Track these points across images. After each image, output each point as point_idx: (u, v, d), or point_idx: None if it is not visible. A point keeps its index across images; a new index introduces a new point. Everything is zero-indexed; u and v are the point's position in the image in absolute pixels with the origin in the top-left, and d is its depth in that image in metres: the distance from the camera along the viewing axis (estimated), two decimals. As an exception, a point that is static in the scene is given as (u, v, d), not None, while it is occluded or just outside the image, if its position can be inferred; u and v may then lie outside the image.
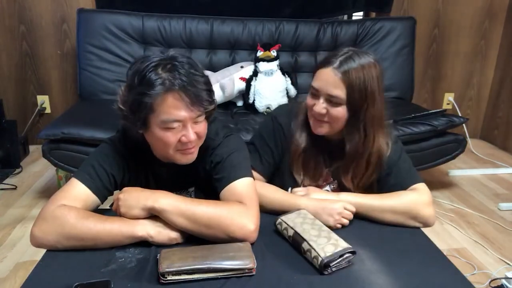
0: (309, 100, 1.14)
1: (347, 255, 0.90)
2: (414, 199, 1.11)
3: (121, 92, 1.00)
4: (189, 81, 0.93)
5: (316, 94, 1.11)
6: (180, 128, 0.97)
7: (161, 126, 0.96)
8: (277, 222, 1.03)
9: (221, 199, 1.05)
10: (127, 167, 1.10)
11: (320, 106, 1.10)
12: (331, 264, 0.88)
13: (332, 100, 1.09)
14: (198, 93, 0.94)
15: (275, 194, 1.15)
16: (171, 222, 0.94)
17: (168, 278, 0.83)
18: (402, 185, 1.15)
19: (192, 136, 0.97)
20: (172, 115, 0.94)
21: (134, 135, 1.04)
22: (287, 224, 1.00)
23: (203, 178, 1.14)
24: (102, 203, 1.07)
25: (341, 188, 1.22)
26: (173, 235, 0.95)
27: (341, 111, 1.09)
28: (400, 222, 1.09)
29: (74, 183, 1.02)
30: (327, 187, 1.24)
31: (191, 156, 1.03)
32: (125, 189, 0.99)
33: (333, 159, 1.21)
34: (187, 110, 0.94)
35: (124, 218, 0.96)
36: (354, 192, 1.17)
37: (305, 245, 0.93)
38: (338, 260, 0.89)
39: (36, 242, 0.94)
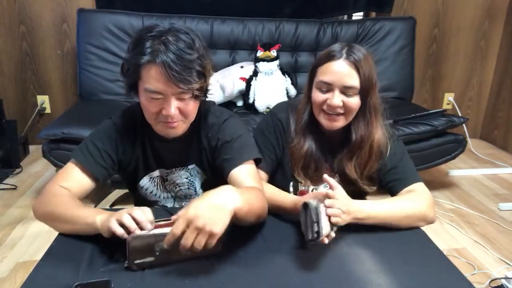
0: (319, 97, 1.12)
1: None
2: (424, 202, 1.10)
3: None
4: (176, 57, 0.94)
5: (328, 89, 1.11)
6: (162, 101, 0.99)
7: (145, 94, 0.99)
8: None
9: (232, 177, 1.07)
10: (121, 141, 1.13)
11: (337, 98, 1.09)
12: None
13: (347, 92, 1.10)
14: (182, 70, 0.94)
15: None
16: (242, 216, 0.89)
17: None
18: (406, 181, 1.16)
19: (173, 111, 0.98)
20: (152, 85, 0.96)
21: (134, 109, 1.11)
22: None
23: (205, 154, 1.16)
24: (101, 180, 1.11)
25: (343, 180, 1.22)
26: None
27: (357, 101, 1.11)
28: (410, 224, 1.07)
29: (70, 163, 1.09)
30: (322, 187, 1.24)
31: (174, 131, 1.04)
32: (190, 207, 0.82)
33: (334, 153, 1.21)
34: (166, 85, 0.95)
35: (97, 209, 1.00)
36: (360, 181, 1.18)
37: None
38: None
39: (34, 215, 1.04)
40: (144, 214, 0.86)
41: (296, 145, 1.20)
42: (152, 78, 0.96)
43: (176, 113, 1.00)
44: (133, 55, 0.98)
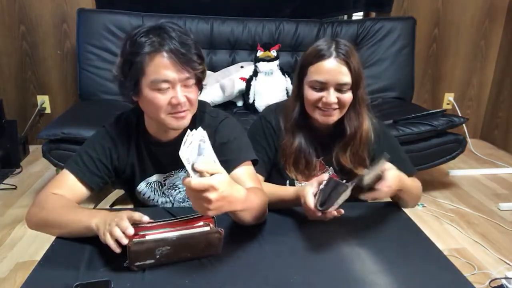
0: (313, 95, 1.16)
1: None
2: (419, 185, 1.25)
3: (117, 61, 1.06)
4: (179, 42, 0.96)
5: (322, 87, 1.15)
6: (169, 90, 0.99)
7: (151, 87, 0.99)
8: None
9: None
10: (115, 148, 1.12)
11: (332, 96, 1.14)
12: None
13: (341, 88, 1.14)
14: (187, 54, 0.96)
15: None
16: (239, 213, 0.94)
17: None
18: (406, 172, 1.18)
19: (182, 98, 0.99)
20: (160, 74, 0.97)
21: (128, 115, 1.12)
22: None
23: None
24: (96, 189, 1.10)
25: (338, 171, 1.26)
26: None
27: (350, 95, 1.16)
28: (412, 200, 1.20)
29: (63, 172, 1.08)
30: (325, 175, 1.25)
31: (183, 121, 1.04)
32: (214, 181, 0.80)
33: (325, 148, 1.25)
34: (175, 70, 0.96)
35: (92, 210, 1.00)
36: (354, 169, 1.23)
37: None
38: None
39: (27, 224, 1.02)
40: (140, 217, 0.86)
41: (286, 142, 1.23)
42: (159, 67, 0.96)
43: (185, 101, 1.01)
44: (132, 51, 0.98)
